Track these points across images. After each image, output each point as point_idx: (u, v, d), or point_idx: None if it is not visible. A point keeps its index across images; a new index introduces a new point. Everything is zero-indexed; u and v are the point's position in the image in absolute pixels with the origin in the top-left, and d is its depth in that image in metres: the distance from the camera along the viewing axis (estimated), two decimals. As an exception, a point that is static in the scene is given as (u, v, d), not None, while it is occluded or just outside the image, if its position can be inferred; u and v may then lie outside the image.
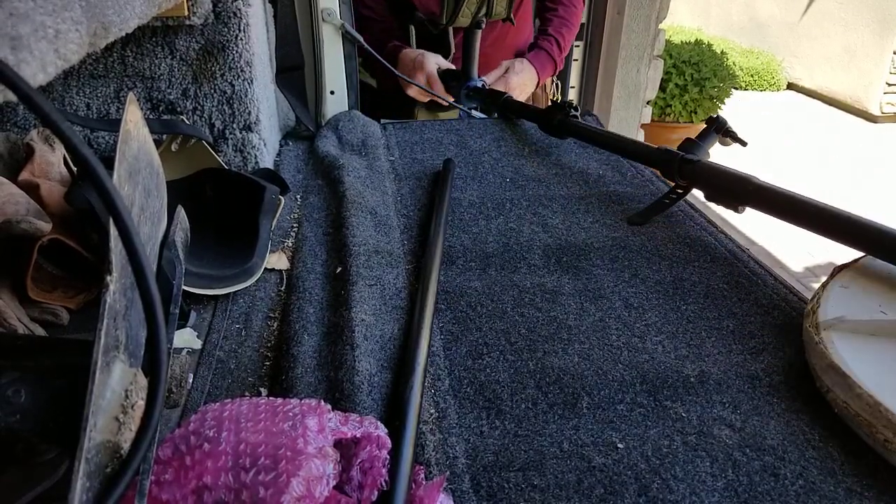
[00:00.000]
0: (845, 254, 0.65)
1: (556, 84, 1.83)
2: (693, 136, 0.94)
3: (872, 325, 0.54)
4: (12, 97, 0.26)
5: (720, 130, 0.94)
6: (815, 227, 0.69)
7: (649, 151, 0.93)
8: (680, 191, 0.90)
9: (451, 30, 1.46)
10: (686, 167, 0.86)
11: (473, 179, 1.04)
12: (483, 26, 1.35)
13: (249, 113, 0.95)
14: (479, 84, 1.37)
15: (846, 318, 0.55)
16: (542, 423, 0.55)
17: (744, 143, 0.96)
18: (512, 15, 1.51)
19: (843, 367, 0.50)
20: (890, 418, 0.45)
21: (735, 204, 0.80)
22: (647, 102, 2.32)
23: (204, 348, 0.64)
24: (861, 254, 0.66)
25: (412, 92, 1.41)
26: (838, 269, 0.63)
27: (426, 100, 1.44)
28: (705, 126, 0.95)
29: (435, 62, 1.38)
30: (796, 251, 3.10)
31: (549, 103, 1.20)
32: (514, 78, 1.43)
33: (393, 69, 1.33)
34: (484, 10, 1.44)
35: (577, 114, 1.11)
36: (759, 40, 5.98)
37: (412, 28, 1.48)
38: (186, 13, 0.82)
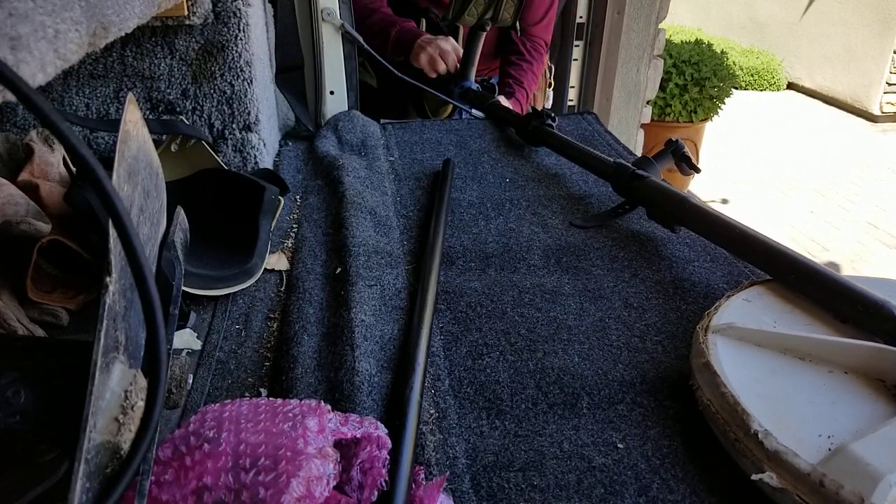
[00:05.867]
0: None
1: (550, 83, 1.86)
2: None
3: (759, 334, 0.55)
4: (11, 97, 0.26)
5: (676, 154, 0.94)
6: (738, 250, 0.72)
7: (605, 165, 0.94)
8: (627, 206, 0.91)
9: (461, 30, 1.47)
10: (633, 183, 0.86)
11: (473, 179, 1.04)
12: (487, 29, 1.36)
13: (249, 113, 0.95)
14: (474, 86, 1.38)
15: (735, 324, 0.56)
16: (543, 423, 0.55)
17: (697, 170, 0.97)
18: (517, 24, 1.54)
19: (716, 366, 0.52)
20: (744, 418, 0.46)
21: (672, 223, 0.82)
22: (647, 102, 2.31)
23: (204, 349, 0.64)
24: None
25: (423, 58, 1.42)
26: (748, 284, 0.65)
27: (435, 74, 1.44)
28: (663, 147, 0.95)
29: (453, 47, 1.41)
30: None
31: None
32: None
33: (395, 70, 1.33)
34: (490, 14, 1.45)
35: (554, 123, 1.12)
36: (759, 40, 5.98)
37: (423, 22, 1.49)
38: (186, 13, 0.82)
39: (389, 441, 0.45)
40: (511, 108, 1.51)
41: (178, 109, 0.94)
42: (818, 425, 0.46)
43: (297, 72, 1.23)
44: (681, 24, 5.55)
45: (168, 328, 0.43)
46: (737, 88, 4.85)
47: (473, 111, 1.37)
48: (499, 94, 1.56)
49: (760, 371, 0.52)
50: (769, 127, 4.81)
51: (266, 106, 1.04)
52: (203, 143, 0.87)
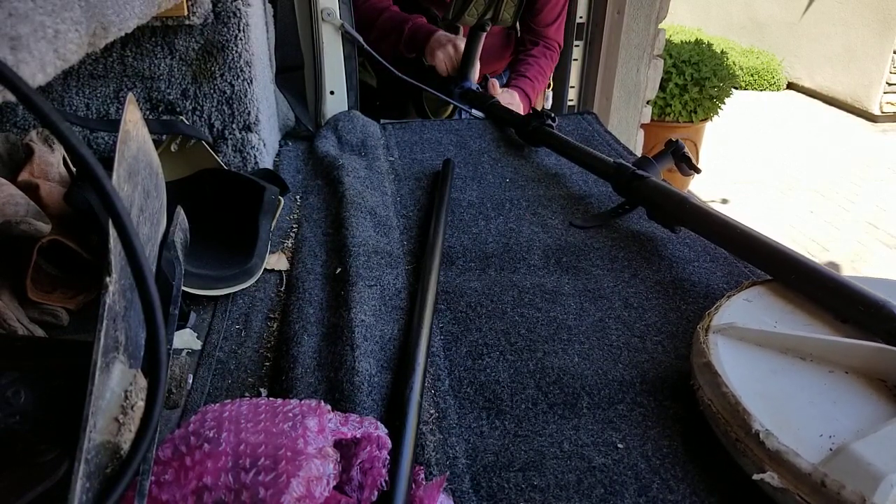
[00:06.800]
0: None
1: (549, 84, 1.87)
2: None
3: (760, 335, 0.55)
4: (11, 97, 0.26)
5: (676, 154, 0.94)
6: (738, 250, 0.72)
7: (605, 165, 0.94)
8: (627, 206, 0.91)
9: (461, 29, 1.48)
10: (633, 183, 0.87)
11: (473, 179, 1.04)
12: (487, 29, 1.36)
13: (249, 113, 0.95)
14: (474, 86, 1.38)
15: (736, 324, 0.56)
16: (543, 423, 0.55)
17: (697, 171, 0.97)
18: (518, 25, 1.54)
19: (717, 366, 0.52)
20: (745, 418, 0.46)
21: (672, 223, 0.82)
22: (647, 102, 2.31)
23: (204, 349, 0.64)
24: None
25: (441, 55, 1.42)
26: (749, 284, 0.65)
27: (444, 68, 1.45)
28: (663, 147, 0.96)
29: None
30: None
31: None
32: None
33: (393, 69, 1.33)
34: (490, 14, 1.45)
35: (554, 123, 1.12)
36: (759, 40, 5.98)
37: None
38: (186, 13, 0.82)
39: (389, 441, 0.45)
40: (514, 95, 1.51)
41: (178, 109, 0.94)
42: (819, 425, 0.46)
43: (297, 72, 1.23)
44: (681, 24, 5.55)
45: (168, 328, 0.43)
46: (737, 88, 4.85)
47: (473, 111, 1.37)
48: (502, 86, 1.55)
49: (761, 371, 0.52)
50: (769, 127, 4.81)
51: (266, 106, 1.04)
52: (203, 143, 0.87)
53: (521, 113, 1.54)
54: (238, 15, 0.88)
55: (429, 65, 1.45)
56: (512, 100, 1.51)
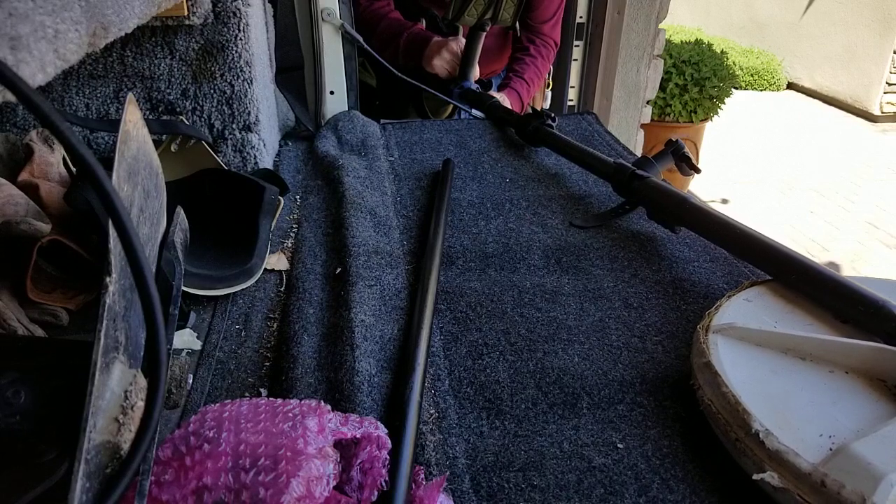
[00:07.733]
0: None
1: (548, 84, 1.87)
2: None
3: (760, 334, 0.55)
4: (11, 97, 0.26)
5: (676, 154, 0.94)
6: (738, 250, 0.72)
7: (605, 165, 0.94)
8: (627, 206, 0.91)
9: (461, 29, 1.48)
10: (633, 183, 0.87)
11: (473, 179, 1.04)
12: (487, 29, 1.36)
13: (249, 113, 0.95)
14: (473, 86, 1.38)
15: (736, 324, 0.56)
16: (542, 423, 0.55)
17: (698, 171, 0.97)
18: (517, 24, 1.54)
19: (717, 366, 0.52)
20: (745, 418, 0.47)
21: (672, 223, 0.82)
22: (647, 102, 2.31)
23: (204, 349, 0.64)
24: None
25: (437, 63, 1.43)
26: (749, 284, 0.65)
27: (446, 74, 1.45)
28: (663, 147, 0.96)
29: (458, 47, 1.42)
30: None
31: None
32: None
33: (393, 69, 1.33)
34: (490, 14, 1.45)
35: (554, 123, 1.12)
36: (759, 40, 5.98)
37: (423, 22, 1.50)
38: (186, 13, 0.82)
39: (389, 441, 0.45)
40: (507, 99, 1.52)
41: (178, 109, 0.94)
42: (819, 425, 0.46)
43: (297, 72, 1.23)
44: (681, 24, 5.55)
45: (168, 328, 0.43)
46: (737, 88, 4.85)
47: (473, 111, 1.37)
48: (496, 88, 1.56)
49: (761, 371, 0.52)
50: (769, 127, 4.81)
51: (266, 106, 1.04)
52: (203, 143, 0.87)
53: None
54: (238, 15, 0.88)
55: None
56: (503, 102, 1.51)
